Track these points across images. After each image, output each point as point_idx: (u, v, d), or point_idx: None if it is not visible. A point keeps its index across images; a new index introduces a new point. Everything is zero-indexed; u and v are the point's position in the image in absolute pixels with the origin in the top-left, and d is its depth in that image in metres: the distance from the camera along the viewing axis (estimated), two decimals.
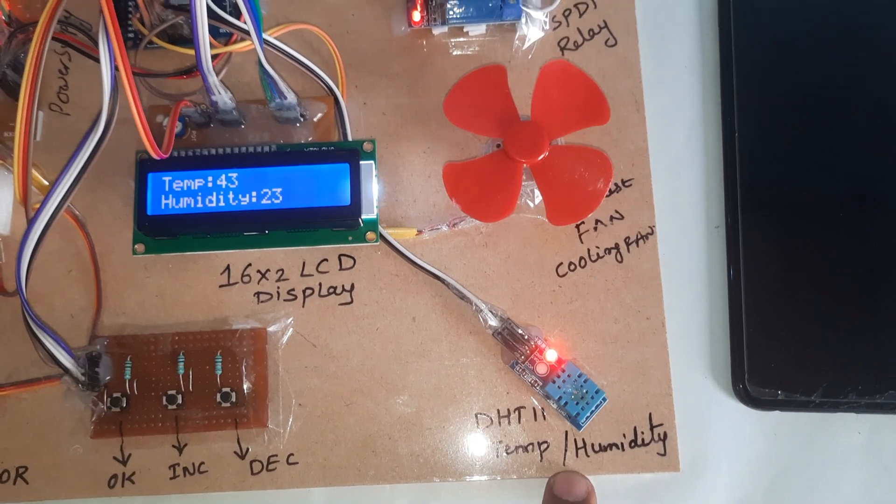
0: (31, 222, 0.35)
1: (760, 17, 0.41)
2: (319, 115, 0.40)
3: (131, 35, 0.40)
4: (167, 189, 0.37)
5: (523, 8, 0.40)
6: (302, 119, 0.40)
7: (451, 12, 0.40)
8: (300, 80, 0.40)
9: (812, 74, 0.40)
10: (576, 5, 0.42)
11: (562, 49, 0.41)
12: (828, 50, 0.41)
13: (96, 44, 0.34)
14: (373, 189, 0.38)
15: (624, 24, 0.41)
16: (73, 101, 0.41)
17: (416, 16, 0.40)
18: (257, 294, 0.39)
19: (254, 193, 0.37)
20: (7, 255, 0.40)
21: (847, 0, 0.41)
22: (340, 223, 0.37)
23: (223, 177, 0.37)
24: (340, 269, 0.39)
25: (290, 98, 0.38)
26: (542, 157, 0.37)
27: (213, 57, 0.38)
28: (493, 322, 0.38)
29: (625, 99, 0.40)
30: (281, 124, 0.40)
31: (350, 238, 0.38)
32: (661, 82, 0.41)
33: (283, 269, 0.39)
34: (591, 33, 0.41)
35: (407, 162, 0.41)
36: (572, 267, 0.39)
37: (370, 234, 0.38)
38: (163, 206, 0.37)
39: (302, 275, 0.39)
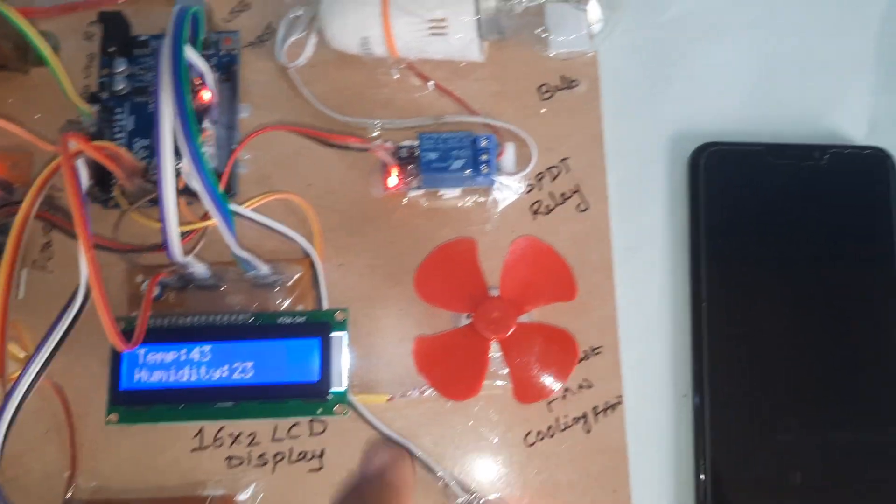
0: (6, 398, 0.35)
1: (730, 187, 0.42)
2: (297, 275, 0.41)
3: (115, 206, 0.41)
4: (141, 362, 0.38)
5: (495, 178, 0.41)
6: (278, 284, 0.41)
7: (425, 179, 0.41)
8: (277, 240, 0.41)
9: (781, 247, 0.41)
10: (549, 169, 0.43)
11: (534, 212, 0.42)
12: (797, 222, 0.41)
13: None
14: (342, 362, 0.38)
15: (596, 190, 0.42)
16: (57, 258, 0.42)
17: (392, 181, 0.41)
18: (229, 458, 0.40)
19: (225, 367, 0.37)
20: None
21: (813, 175, 0.42)
22: (309, 398, 0.38)
23: (196, 350, 0.38)
24: (311, 434, 0.40)
25: (265, 270, 0.39)
26: (509, 333, 0.37)
27: (187, 233, 0.39)
28: (460, 498, 0.38)
29: (595, 265, 0.41)
30: (257, 288, 0.41)
31: (319, 411, 0.38)
32: (632, 248, 0.42)
33: (254, 433, 0.40)
34: (564, 197, 0.42)
35: (381, 324, 0.41)
36: (540, 436, 0.40)
37: (338, 408, 0.38)
38: (136, 380, 0.37)
39: (273, 439, 0.40)
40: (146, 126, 0.44)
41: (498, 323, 0.37)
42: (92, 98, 0.43)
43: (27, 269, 0.42)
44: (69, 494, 0.39)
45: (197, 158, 0.32)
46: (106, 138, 0.43)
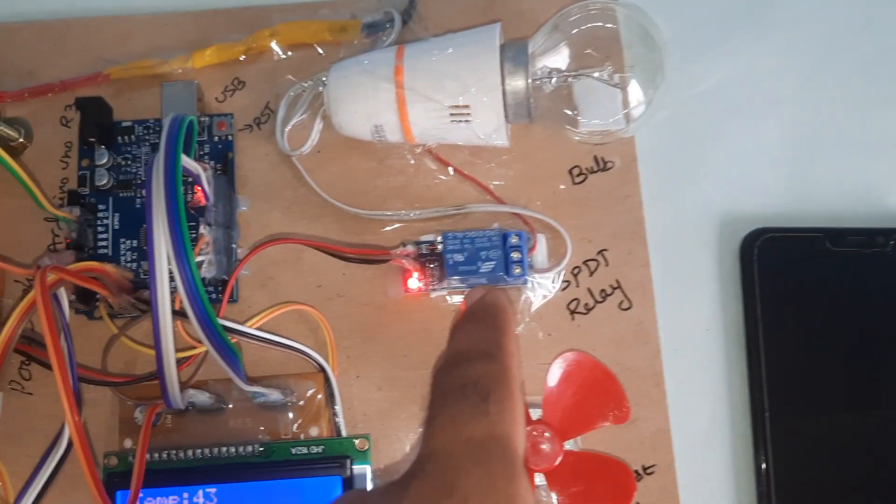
0: None
1: (787, 277, 0.38)
2: (309, 392, 0.37)
3: (98, 317, 0.37)
4: None
5: (529, 277, 0.36)
6: (289, 404, 0.36)
7: (451, 279, 0.37)
8: (285, 352, 0.36)
9: (848, 345, 0.37)
10: (585, 262, 0.38)
11: (572, 312, 0.38)
12: (864, 316, 0.37)
13: None
14: None
15: (639, 284, 0.38)
16: (35, 378, 0.38)
17: (413, 283, 0.37)
18: None
19: None
20: None
21: (879, 263, 0.38)
22: None
23: (200, 493, 0.33)
24: None
25: (275, 396, 0.35)
26: (556, 463, 0.33)
27: (184, 360, 0.35)
28: None
29: (643, 371, 0.37)
30: (265, 410, 0.36)
31: None
32: (681, 349, 0.38)
33: None
34: (604, 294, 0.38)
35: (405, 444, 0.37)
36: None
37: None
38: None
39: None
40: (132, 224, 0.39)
41: (543, 453, 0.33)
42: (72, 197, 0.38)
43: (2, 392, 0.38)
44: None
45: (197, 301, 0.27)
46: (88, 240, 0.38)
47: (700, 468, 0.36)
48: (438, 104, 0.35)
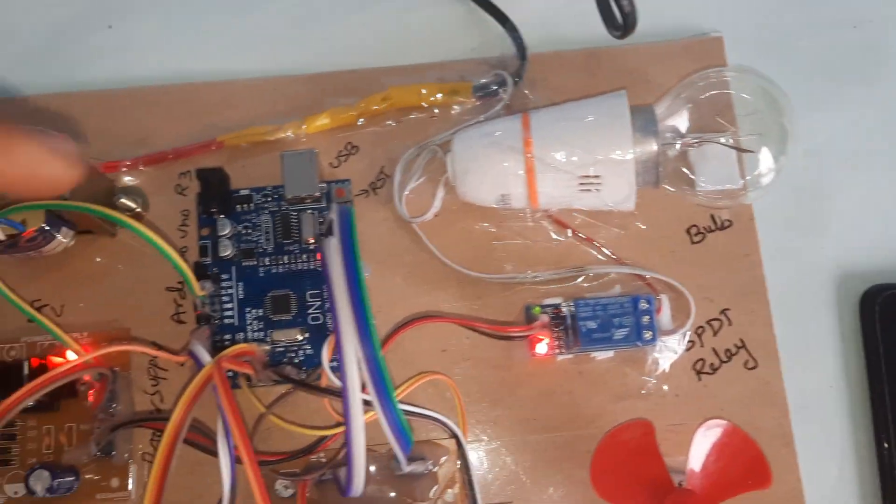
0: None
1: None
2: (443, 459, 0.37)
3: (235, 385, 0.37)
4: None
5: (660, 340, 0.37)
6: (426, 472, 0.37)
7: (583, 347, 0.37)
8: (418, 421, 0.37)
9: None
10: (709, 322, 0.39)
11: (698, 372, 0.38)
12: None
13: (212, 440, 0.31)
14: None
15: (763, 343, 0.38)
16: None
17: (542, 348, 0.37)
18: None
19: None
20: None
21: None
22: None
23: None
24: None
25: (421, 468, 0.35)
26: None
27: (328, 438, 0.35)
28: None
29: (772, 431, 0.37)
30: (401, 477, 0.37)
31: None
32: (807, 408, 0.38)
33: None
34: (729, 354, 0.38)
35: None
36: None
37: None
38: None
39: None
40: (256, 293, 0.39)
41: None
42: (198, 270, 0.39)
43: (135, 465, 0.38)
44: None
45: (381, 383, 0.28)
46: (215, 312, 0.39)
47: None
48: (569, 174, 0.36)
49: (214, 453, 0.32)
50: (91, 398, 0.37)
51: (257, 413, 0.37)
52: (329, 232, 0.31)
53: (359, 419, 0.28)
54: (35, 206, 0.36)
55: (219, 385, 0.28)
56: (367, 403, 0.30)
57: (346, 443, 0.28)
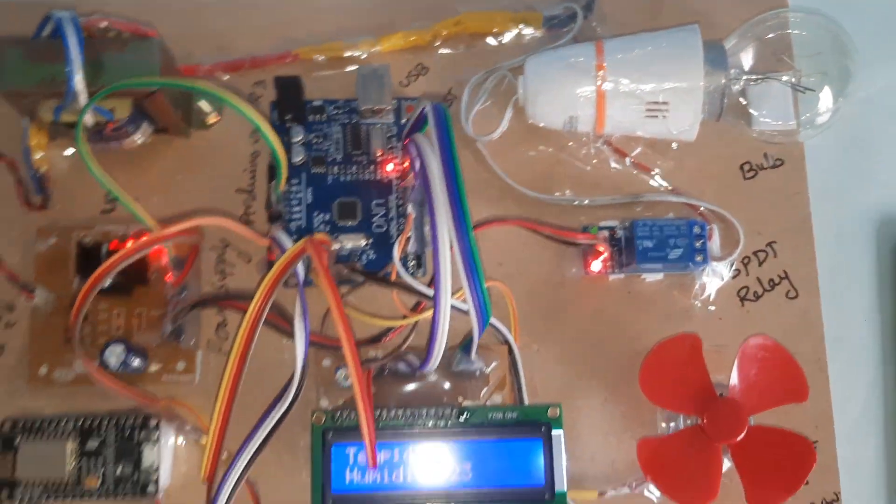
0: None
1: None
2: (494, 364, 0.39)
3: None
4: (352, 462, 0.36)
5: (708, 265, 0.39)
6: (478, 373, 0.39)
7: (639, 267, 0.39)
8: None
9: None
10: (755, 253, 0.41)
11: (741, 299, 0.40)
12: None
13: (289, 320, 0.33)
14: (562, 462, 0.36)
15: (805, 276, 0.41)
16: (232, 335, 0.40)
17: (596, 265, 0.39)
18: None
19: (441, 469, 0.35)
20: None
21: None
22: (533, 502, 0.36)
23: (410, 450, 0.36)
24: None
25: (478, 365, 0.37)
26: (740, 437, 0.36)
27: (393, 329, 0.37)
28: None
29: (807, 357, 0.39)
30: (454, 375, 0.39)
31: None
32: (842, 338, 0.40)
33: None
34: (772, 283, 0.41)
35: (584, 416, 0.39)
36: None
37: None
38: (347, 482, 0.35)
39: None
40: (325, 198, 0.41)
41: (730, 427, 0.36)
42: (271, 171, 0.41)
43: (201, 350, 0.40)
44: None
45: (473, 271, 0.30)
46: (283, 213, 0.41)
47: (858, 446, 0.39)
48: (638, 100, 0.37)
49: (290, 334, 0.34)
50: (170, 279, 0.38)
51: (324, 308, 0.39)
52: (417, 126, 0.33)
53: (446, 296, 0.29)
54: (137, 84, 0.36)
55: (313, 255, 0.30)
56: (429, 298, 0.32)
57: (433, 318, 0.30)
